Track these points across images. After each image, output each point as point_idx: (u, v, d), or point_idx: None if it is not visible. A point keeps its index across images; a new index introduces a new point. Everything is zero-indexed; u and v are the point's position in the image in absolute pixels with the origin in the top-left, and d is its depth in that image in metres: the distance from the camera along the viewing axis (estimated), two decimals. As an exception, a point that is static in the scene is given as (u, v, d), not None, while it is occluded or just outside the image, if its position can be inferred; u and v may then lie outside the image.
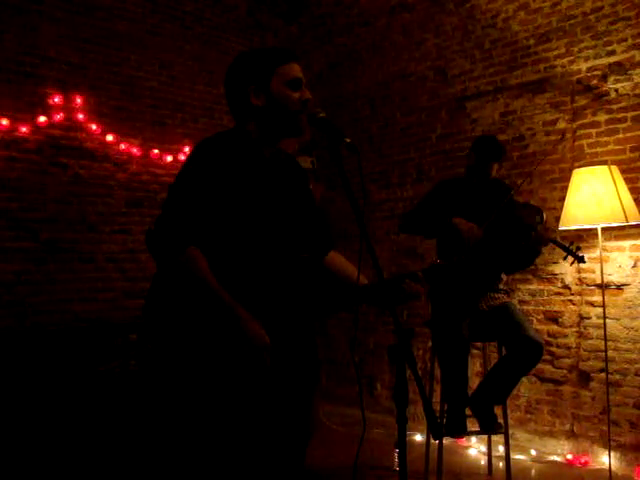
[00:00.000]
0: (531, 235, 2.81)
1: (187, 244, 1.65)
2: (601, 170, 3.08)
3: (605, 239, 3.28)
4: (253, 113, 1.76)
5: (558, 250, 3.13)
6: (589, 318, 3.45)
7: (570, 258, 2.97)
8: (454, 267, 1.88)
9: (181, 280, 1.70)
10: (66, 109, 3.84)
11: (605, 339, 3.13)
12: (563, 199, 3.29)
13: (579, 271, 3.50)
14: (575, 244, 2.99)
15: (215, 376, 1.70)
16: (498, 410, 2.93)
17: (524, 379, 3.47)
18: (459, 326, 2.90)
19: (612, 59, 3.38)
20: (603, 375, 3.24)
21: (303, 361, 1.84)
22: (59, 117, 3.80)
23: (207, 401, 1.73)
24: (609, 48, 3.39)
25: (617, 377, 3.29)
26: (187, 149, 4.35)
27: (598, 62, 3.44)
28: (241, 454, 1.77)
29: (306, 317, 1.83)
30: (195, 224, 1.66)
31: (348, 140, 1.60)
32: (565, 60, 3.59)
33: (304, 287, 1.78)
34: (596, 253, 3.31)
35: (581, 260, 2.95)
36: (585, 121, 3.51)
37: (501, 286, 3.10)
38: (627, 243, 3.30)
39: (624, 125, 3.34)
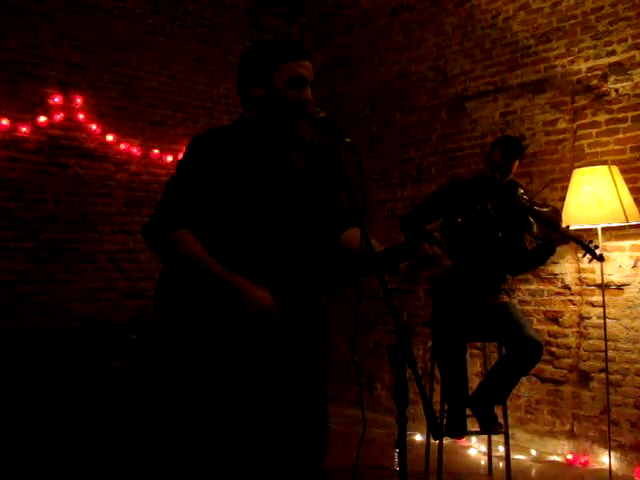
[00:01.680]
0: (555, 232, 2.85)
1: (175, 227, 1.66)
2: (601, 170, 3.08)
3: (605, 239, 3.27)
4: (253, 104, 1.78)
5: (560, 250, 3.13)
6: (589, 318, 3.45)
7: (588, 257, 2.96)
8: (468, 226, 1.82)
9: (175, 264, 1.70)
10: (66, 109, 3.84)
11: (605, 339, 3.13)
12: (563, 199, 3.29)
13: (579, 271, 3.50)
14: (594, 242, 2.96)
15: (223, 373, 1.68)
16: (498, 410, 2.93)
17: (524, 379, 3.47)
18: (459, 326, 2.90)
19: (612, 59, 3.38)
20: (603, 375, 3.23)
21: (313, 361, 1.82)
22: (59, 117, 3.80)
23: (214, 398, 1.72)
24: (609, 48, 3.39)
25: (617, 377, 3.29)
26: (187, 149, 4.35)
27: (598, 62, 3.44)
28: (247, 456, 1.76)
29: (316, 302, 1.80)
30: (185, 209, 1.67)
31: (348, 140, 1.60)
32: (565, 60, 3.59)
33: (313, 269, 1.75)
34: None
35: (600, 259, 2.92)
36: (585, 121, 3.50)
37: (502, 286, 3.10)
38: (627, 243, 3.30)
39: (624, 125, 3.33)
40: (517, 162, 3.00)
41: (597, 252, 2.93)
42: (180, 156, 4.68)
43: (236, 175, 1.71)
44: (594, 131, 3.46)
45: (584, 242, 2.95)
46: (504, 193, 3.00)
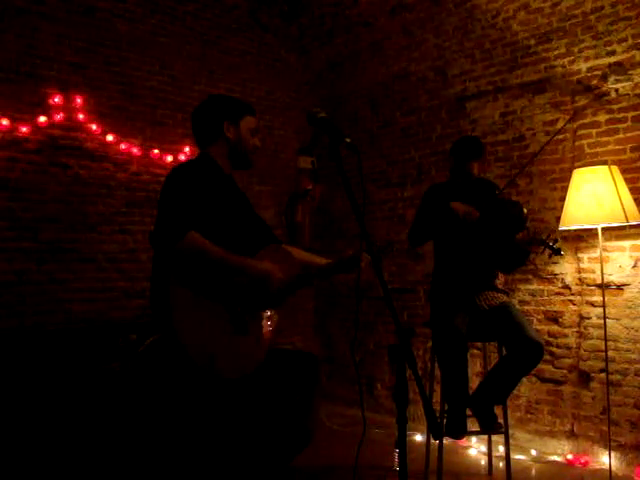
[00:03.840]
0: (522, 231, 2.87)
1: (187, 228, 1.94)
2: (601, 170, 3.08)
3: (605, 239, 3.27)
4: (225, 141, 2.23)
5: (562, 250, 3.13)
6: (589, 318, 3.45)
7: (547, 251, 2.89)
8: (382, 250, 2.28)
9: (186, 263, 1.98)
10: (66, 109, 3.84)
11: (605, 339, 3.13)
12: (563, 199, 3.29)
13: (579, 271, 3.50)
14: (552, 236, 2.92)
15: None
16: (498, 410, 2.93)
17: (524, 379, 3.47)
18: (458, 326, 2.90)
19: (612, 59, 3.38)
20: (603, 375, 3.23)
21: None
22: (59, 117, 3.80)
23: (202, 400, 1.82)
24: (609, 48, 3.39)
25: (617, 377, 3.29)
26: (187, 149, 4.35)
27: (598, 62, 3.44)
28: (232, 453, 1.91)
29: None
30: (193, 218, 1.98)
31: (348, 140, 1.61)
32: (565, 60, 3.59)
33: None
34: (596, 253, 3.31)
35: (557, 252, 2.87)
36: (585, 121, 3.51)
37: (500, 286, 3.10)
38: (627, 243, 3.30)
39: (624, 125, 3.33)
40: (476, 164, 3.04)
41: (555, 246, 2.87)
42: (180, 156, 4.69)
43: (212, 200, 2.09)
44: (594, 131, 3.46)
45: (542, 238, 2.88)
46: (472, 193, 3.03)
